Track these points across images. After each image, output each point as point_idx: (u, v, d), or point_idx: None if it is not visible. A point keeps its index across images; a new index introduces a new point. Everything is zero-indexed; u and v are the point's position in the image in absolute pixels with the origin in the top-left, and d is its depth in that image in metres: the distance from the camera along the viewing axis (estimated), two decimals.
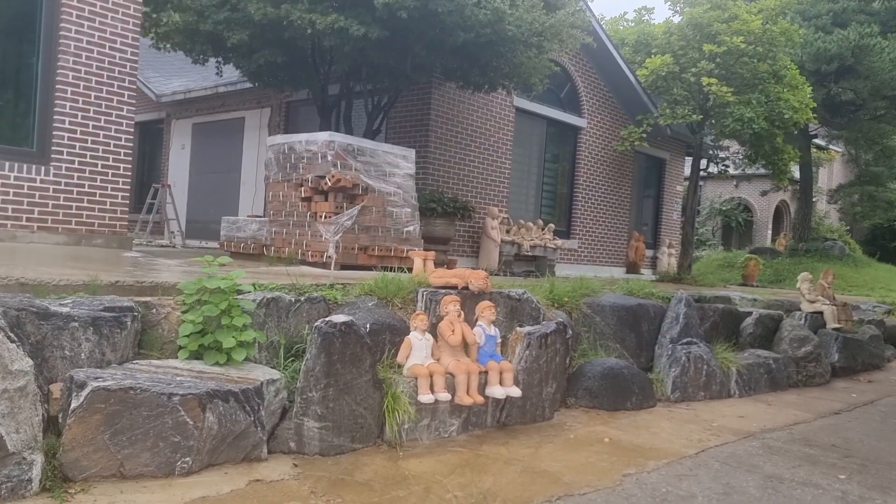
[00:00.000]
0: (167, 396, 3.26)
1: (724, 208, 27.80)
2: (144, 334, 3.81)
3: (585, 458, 4.18)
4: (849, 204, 27.37)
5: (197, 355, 3.76)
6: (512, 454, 4.16)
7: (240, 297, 3.98)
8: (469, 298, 4.90)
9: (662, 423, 5.17)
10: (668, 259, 15.42)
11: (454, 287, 5.00)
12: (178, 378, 3.46)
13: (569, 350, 5.29)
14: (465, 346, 4.55)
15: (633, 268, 14.71)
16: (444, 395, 4.23)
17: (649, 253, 15.61)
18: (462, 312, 4.57)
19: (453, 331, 4.44)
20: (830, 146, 25.96)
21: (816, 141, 22.67)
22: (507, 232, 11.23)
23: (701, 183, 16.43)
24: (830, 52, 16.92)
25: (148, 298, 3.97)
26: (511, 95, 11.53)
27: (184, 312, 3.85)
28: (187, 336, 3.74)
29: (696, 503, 3.57)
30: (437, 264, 6.86)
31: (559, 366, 5.03)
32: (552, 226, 12.09)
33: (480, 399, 4.38)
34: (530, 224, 11.71)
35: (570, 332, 5.36)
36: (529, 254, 11.23)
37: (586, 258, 13.85)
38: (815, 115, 13.74)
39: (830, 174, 29.60)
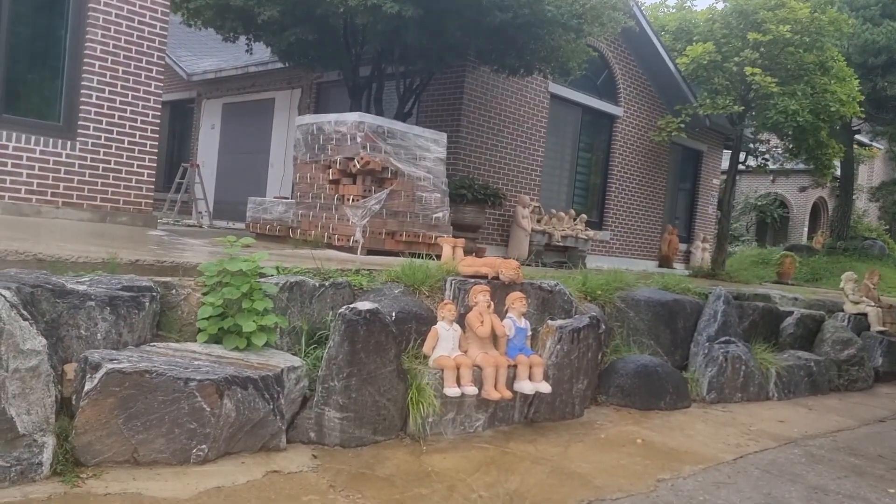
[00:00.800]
0: (184, 381, 3.13)
1: (759, 203, 27.17)
2: (163, 316, 3.68)
3: (617, 460, 3.99)
4: (890, 202, 26.57)
5: (216, 339, 3.63)
6: (540, 453, 3.99)
7: (262, 280, 3.84)
8: (499, 289, 4.71)
9: (697, 425, 4.95)
10: (702, 254, 15.05)
11: (484, 276, 4.81)
12: (196, 362, 3.33)
13: (601, 345, 5.08)
14: (494, 338, 4.38)
15: (665, 261, 14.38)
16: (471, 389, 4.06)
17: (682, 247, 15.25)
18: (492, 303, 4.39)
19: (482, 322, 4.26)
20: (873, 143, 25.19)
21: (859, 137, 21.98)
22: (538, 221, 10.99)
23: (737, 177, 15.98)
24: (879, 44, 16.33)
25: (168, 279, 3.84)
26: (546, 81, 11.25)
27: (204, 294, 3.72)
28: (206, 319, 3.61)
29: None
30: (466, 252, 6.67)
31: (591, 361, 4.83)
32: (584, 216, 11.82)
33: (508, 394, 4.20)
34: (562, 214, 11.46)
35: (603, 326, 5.15)
36: (560, 244, 10.99)
37: (618, 250, 13.55)
38: (860, 109, 13.21)
39: (871, 171, 28.77)
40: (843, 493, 3.78)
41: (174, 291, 3.77)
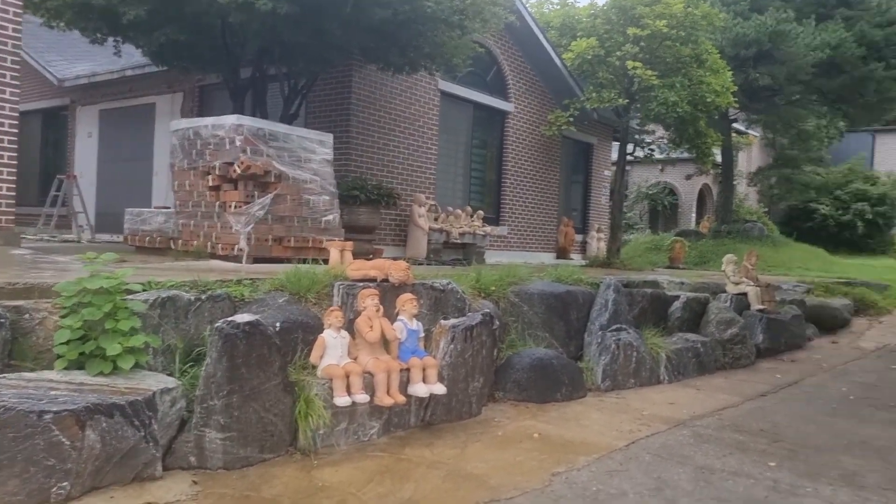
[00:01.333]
0: (37, 415, 2.86)
1: (650, 192, 28.27)
2: (16, 343, 3.36)
3: (514, 457, 3.96)
4: (766, 186, 28.30)
5: (78, 365, 3.34)
6: (436, 456, 3.91)
7: (128, 297, 3.56)
8: (389, 291, 4.60)
9: (593, 415, 5.01)
10: (598, 243, 15.47)
11: (373, 279, 4.69)
12: (53, 392, 3.04)
13: (496, 342, 5.06)
14: (386, 342, 4.27)
15: (563, 253, 14.69)
16: (363, 397, 3.93)
17: (579, 238, 15.63)
18: (381, 307, 4.27)
19: (371, 327, 4.14)
20: (749, 130, 26.70)
21: (736, 125, 23.23)
22: (436, 219, 10.96)
23: (628, 168, 16.56)
24: (748, 37, 17.26)
25: (21, 302, 3.51)
26: (435, 78, 11.22)
27: (62, 317, 3.41)
28: (65, 343, 3.31)
29: (627, 501, 3.39)
30: (363, 254, 6.52)
31: (486, 359, 4.80)
32: (481, 212, 11.90)
33: (402, 399, 4.10)
34: (459, 211, 11.48)
35: (497, 322, 5.14)
36: (459, 241, 11.00)
37: (516, 244, 13.73)
38: (735, 99, 13.93)
39: (749, 158, 30.49)
40: (728, 471, 3.90)
41: (27, 316, 3.45)
